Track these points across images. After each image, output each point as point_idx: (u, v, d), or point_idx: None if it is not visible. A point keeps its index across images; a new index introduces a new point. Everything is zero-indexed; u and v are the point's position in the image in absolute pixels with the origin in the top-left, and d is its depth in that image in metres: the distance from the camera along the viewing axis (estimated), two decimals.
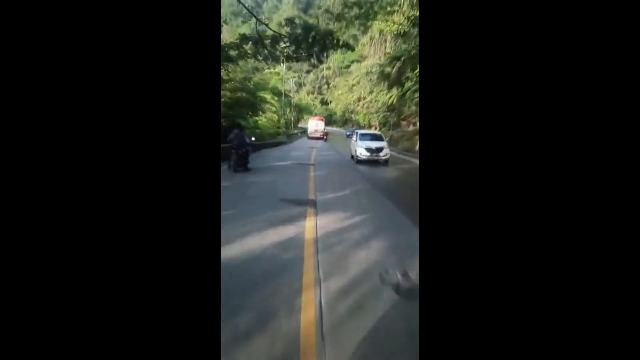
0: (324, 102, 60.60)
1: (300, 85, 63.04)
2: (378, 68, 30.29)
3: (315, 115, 43.57)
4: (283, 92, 21.77)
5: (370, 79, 33.25)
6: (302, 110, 42.75)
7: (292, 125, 34.98)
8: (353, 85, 41.95)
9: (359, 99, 38.24)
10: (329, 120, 54.70)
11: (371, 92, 33.47)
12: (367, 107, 34.17)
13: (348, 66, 53.75)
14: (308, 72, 65.48)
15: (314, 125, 26.56)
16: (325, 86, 62.04)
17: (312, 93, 62.85)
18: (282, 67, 24.52)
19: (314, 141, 24.48)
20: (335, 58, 60.88)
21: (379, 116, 30.27)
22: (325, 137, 26.20)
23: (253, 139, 9.89)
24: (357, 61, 46.18)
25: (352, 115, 42.41)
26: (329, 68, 63.35)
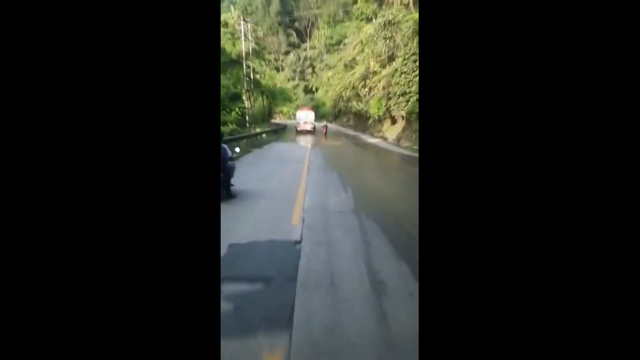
0: (309, 90, 46.38)
1: (277, 69, 48.49)
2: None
3: (298, 106, 33.92)
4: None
5: (390, 37, 19.45)
6: (275, 96, 28.44)
7: (250, 123, 19.88)
8: (353, 59, 28.04)
9: (364, 78, 24.36)
10: (315, 114, 40.83)
11: (390, 60, 19.74)
12: (385, 87, 20.30)
13: (339, 42, 39.81)
14: (287, 53, 51.03)
15: (304, 117, 21.96)
16: (310, 70, 47.72)
17: (293, 79, 48.46)
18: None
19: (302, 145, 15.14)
20: (322, 34, 46.85)
21: (408, 100, 16.62)
22: (324, 130, 19.53)
23: (238, 149, 6.04)
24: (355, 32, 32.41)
25: (352, 104, 28.59)
26: (313, 47, 49.12)
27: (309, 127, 20.44)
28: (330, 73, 35.86)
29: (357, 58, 26.58)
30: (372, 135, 21.84)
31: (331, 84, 35.63)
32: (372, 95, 23.86)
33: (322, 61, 44.40)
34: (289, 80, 46.98)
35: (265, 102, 28.56)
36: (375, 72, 22.36)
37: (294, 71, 48.40)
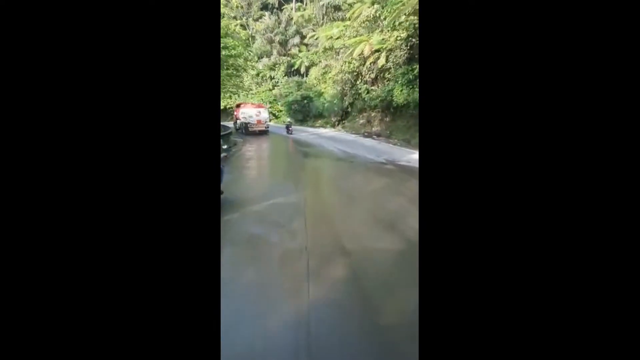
0: (294, 71, 29.00)
1: (246, 42, 30.87)
2: None
3: (276, 96, 23.06)
4: None
5: None
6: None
7: None
8: None
9: None
10: (307, 112, 23.64)
11: None
12: None
13: (339, 8, 22.69)
14: (259, 18, 33.45)
15: (254, 113, 16.02)
16: (296, 39, 30.32)
17: (269, 54, 30.97)
18: None
19: None
20: None
21: None
22: (289, 131, 15.85)
23: (225, 147, 5.52)
24: None
25: (398, 84, 11.68)
26: (302, 9, 31.73)
27: (263, 126, 15.86)
28: (336, 30, 18.78)
29: None
30: None
31: (339, 50, 18.54)
32: None
33: (317, 24, 27.04)
34: (261, 56, 29.47)
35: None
36: None
37: (271, 42, 30.83)
